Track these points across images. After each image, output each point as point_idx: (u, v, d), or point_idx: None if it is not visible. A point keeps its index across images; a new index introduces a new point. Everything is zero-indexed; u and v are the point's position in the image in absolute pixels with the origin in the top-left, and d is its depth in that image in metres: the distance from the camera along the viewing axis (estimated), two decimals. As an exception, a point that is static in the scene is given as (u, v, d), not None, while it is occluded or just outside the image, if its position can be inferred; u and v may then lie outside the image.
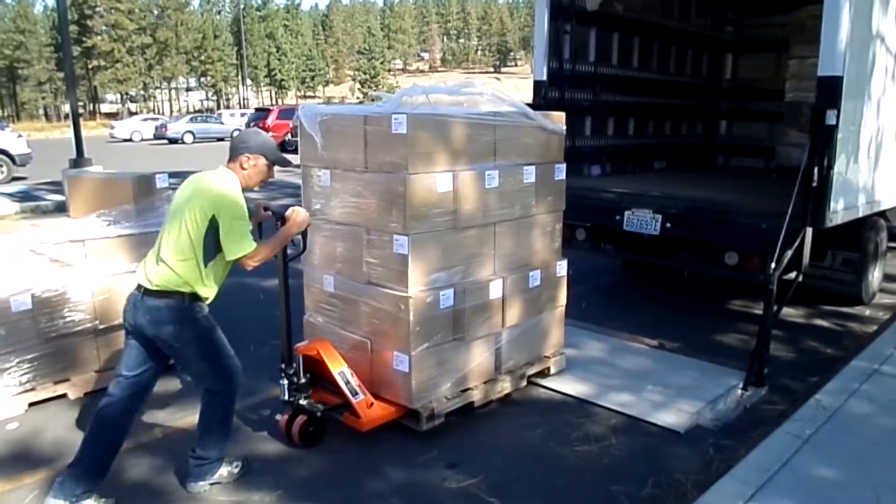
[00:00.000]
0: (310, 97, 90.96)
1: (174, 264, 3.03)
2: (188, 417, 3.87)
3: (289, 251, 3.55)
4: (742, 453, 3.50)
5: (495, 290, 4.09)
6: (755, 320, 5.20)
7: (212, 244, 3.04)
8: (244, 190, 3.17)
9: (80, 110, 14.59)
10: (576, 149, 6.88)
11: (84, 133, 12.28)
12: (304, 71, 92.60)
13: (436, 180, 3.69)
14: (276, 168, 3.32)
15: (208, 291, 3.14)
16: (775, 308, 4.61)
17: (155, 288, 3.04)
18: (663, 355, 5.06)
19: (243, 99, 78.83)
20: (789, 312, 5.84)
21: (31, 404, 4.19)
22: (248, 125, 29.85)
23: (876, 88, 5.17)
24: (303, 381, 3.70)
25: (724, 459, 3.52)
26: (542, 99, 6.27)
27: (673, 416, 4.03)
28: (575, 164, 6.92)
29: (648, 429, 3.94)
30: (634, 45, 7.75)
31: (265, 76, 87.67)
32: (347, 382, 3.69)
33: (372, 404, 3.73)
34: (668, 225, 5.44)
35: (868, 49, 4.92)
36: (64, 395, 4.30)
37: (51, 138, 43.24)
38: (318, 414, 3.70)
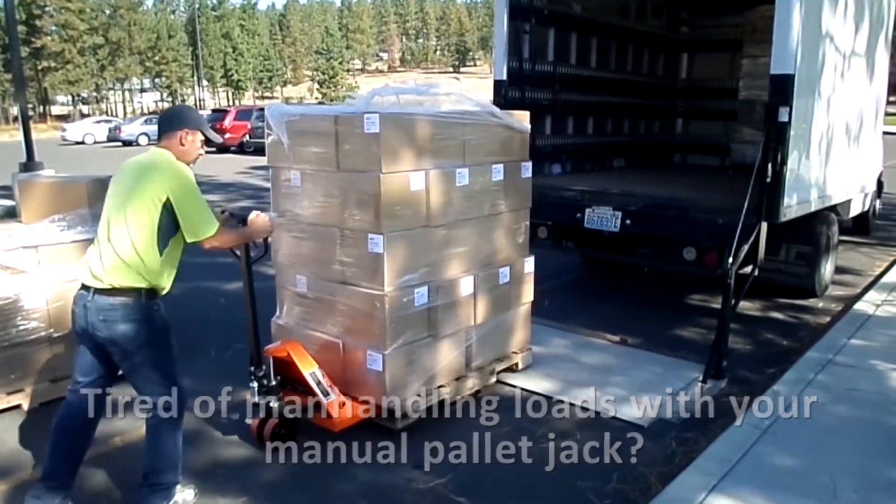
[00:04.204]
0: (267, 98, 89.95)
1: (128, 257, 2.85)
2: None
3: (252, 253, 3.51)
4: (704, 445, 3.57)
5: (467, 288, 4.12)
6: (713, 314, 5.31)
7: (166, 230, 2.89)
8: None
9: (30, 113, 14.20)
10: (536, 148, 6.90)
11: (34, 136, 11.91)
12: (261, 71, 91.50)
13: (408, 179, 3.71)
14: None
15: (165, 282, 2.99)
16: (733, 302, 4.71)
17: (108, 286, 2.87)
18: (625, 351, 5.13)
19: (199, 100, 77.66)
20: (746, 306, 5.96)
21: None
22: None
23: (826, 86, 5.31)
24: (273, 383, 3.65)
25: (686, 452, 3.58)
26: (503, 98, 6.29)
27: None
28: (535, 162, 6.92)
29: (613, 423, 3.99)
30: (592, 46, 7.82)
31: (221, 77, 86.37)
32: (319, 383, 3.66)
33: (344, 404, 3.71)
34: (628, 222, 5.52)
35: (818, 48, 5.06)
36: (18, 406, 4.18)
37: (-1, 142, 42.00)
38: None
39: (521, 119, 4.49)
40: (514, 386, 4.50)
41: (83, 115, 62.30)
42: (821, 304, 6.34)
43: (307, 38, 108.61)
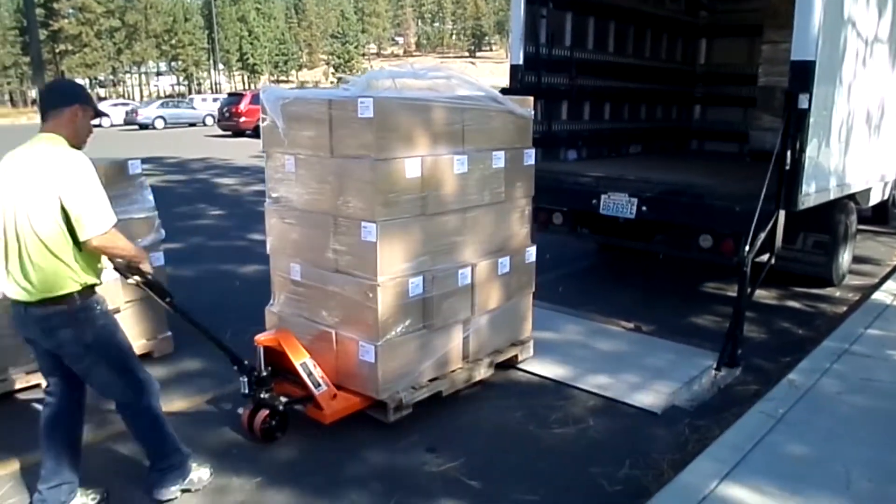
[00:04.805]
0: (283, 81, 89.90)
1: (50, 265, 2.65)
2: (165, 403, 3.82)
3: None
4: (717, 433, 3.56)
5: (465, 277, 4.01)
6: (729, 302, 5.27)
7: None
8: (77, 148, 2.78)
9: (48, 95, 14.17)
10: (552, 133, 6.90)
11: (52, 118, 12.04)
12: (276, 55, 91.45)
13: (404, 166, 3.61)
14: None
15: (94, 275, 2.80)
16: (749, 290, 4.68)
17: (37, 300, 2.69)
18: (639, 338, 5.12)
19: (215, 83, 77.77)
20: (762, 294, 5.92)
21: (3, 395, 4.13)
22: (220, 110, 29.43)
23: (847, 73, 5.23)
24: (264, 374, 3.60)
25: (699, 439, 3.58)
26: (519, 83, 6.25)
27: (649, 398, 4.08)
28: (551, 148, 6.98)
29: (626, 410, 3.99)
30: (610, 30, 7.76)
31: (237, 60, 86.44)
32: (310, 374, 3.62)
33: (335, 396, 3.65)
34: (644, 208, 5.48)
35: (840, 34, 4.98)
36: (37, 385, 4.23)
37: (17, 125, 42.40)
38: (280, 407, 3.61)
39: (526, 105, 4.35)
40: (526, 371, 4.51)
41: (100, 99, 62.47)
42: (838, 294, 6.28)
43: (323, 21, 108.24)
